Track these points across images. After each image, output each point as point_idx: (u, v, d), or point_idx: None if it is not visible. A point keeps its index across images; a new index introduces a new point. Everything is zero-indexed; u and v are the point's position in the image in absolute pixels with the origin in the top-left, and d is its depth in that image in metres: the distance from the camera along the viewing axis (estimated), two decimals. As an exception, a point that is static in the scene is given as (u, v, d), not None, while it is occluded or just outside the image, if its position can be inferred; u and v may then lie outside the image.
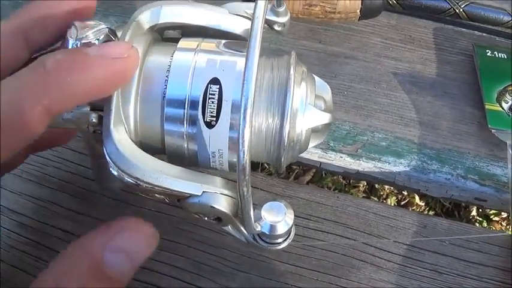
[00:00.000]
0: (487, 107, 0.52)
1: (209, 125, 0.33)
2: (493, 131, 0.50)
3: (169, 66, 0.34)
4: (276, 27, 0.39)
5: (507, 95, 0.53)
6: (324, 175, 1.06)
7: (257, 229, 0.33)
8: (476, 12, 0.56)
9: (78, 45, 0.32)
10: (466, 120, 0.53)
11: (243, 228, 0.34)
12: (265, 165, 1.04)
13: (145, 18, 0.36)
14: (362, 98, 0.54)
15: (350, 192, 1.05)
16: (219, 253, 0.44)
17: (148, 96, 0.34)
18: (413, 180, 0.50)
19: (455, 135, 0.52)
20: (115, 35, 0.33)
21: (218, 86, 0.33)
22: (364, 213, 0.47)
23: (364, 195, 1.06)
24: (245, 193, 0.30)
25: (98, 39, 0.32)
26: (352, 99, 0.54)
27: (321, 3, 0.52)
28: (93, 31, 0.32)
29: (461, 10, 0.54)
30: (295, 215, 0.46)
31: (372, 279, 0.44)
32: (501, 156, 0.50)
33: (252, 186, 0.46)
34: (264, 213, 0.34)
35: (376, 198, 1.05)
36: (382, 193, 1.06)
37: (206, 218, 0.34)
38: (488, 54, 0.56)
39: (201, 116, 0.33)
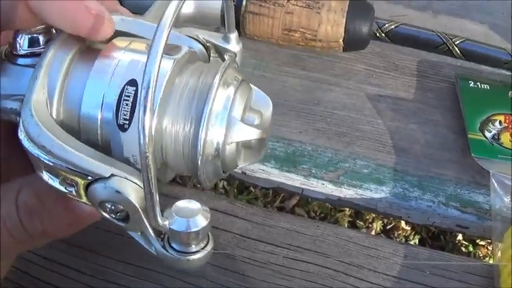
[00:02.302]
0: (470, 136, 0.52)
1: (122, 128, 0.31)
2: (476, 159, 0.50)
3: (91, 67, 0.33)
4: (227, 57, 0.38)
5: (490, 124, 0.53)
6: (309, 200, 1.06)
7: (164, 223, 0.30)
8: (473, 50, 0.51)
9: (21, 39, 0.34)
10: (448, 147, 0.53)
11: (151, 230, 0.31)
12: (251, 188, 1.04)
13: None
14: (344, 125, 0.54)
15: (336, 216, 1.05)
16: (198, 282, 0.44)
17: (70, 90, 0.33)
18: (394, 207, 0.50)
19: (437, 162, 0.52)
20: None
21: (134, 88, 0.31)
22: (344, 242, 0.46)
23: (350, 219, 1.05)
24: (150, 169, 0.27)
25: (40, 34, 0.34)
26: (335, 126, 0.54)
27: (300, 29, 0.50)
28: (39, 28, 0.34)
29: (454, 46, 0.50)
30: (274, 244, 0.46)
31: (352, 310, 0.43)
32: (483, 183, 0.50)
33: (231, 215, 0.47)
34: (175, 210, 0.31)
35: (362, 223, 1.05)
36: (368, 217, 1.05)
37: (113, 216, 0.31)
38: (471, 85, 0.56)
39: (115, 118, 0.31)
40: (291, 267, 0.45)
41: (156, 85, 0.26)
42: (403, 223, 1.05)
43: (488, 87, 0.56)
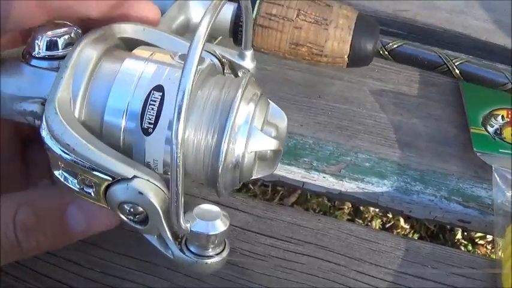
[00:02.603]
0: (472, 130, 0.52)
1: (146, 132, 0.32)
2: (478, 154, 0.50)
3: (117, 72, 0.33)
4: (240, 74, 0.39)
5: (492, 119, 0.53)
6: (309, 197, 1.05)
7: (186, 225, 0.31)
8: (472, 72, 0.50)
9: (40, 41, 0.34)
10: (450, 142, 0.53)
11: (169, 233, 0.32)
12: (250, 185, 1.04)
13: (119, 28, 0.37)
14: (346, 119, 0.54)
15: (335, 214, 1.05)
16: (199, 276, 0.43)
17: (94, 95, 0.34)
18: (396, 201, 0.49)
19: (439, 156, 0.51)
20: (78, 37, 0.35)
21: (161, 94, 0.32)
22: (345, 236, 0.46)
23: (348, 217, 1.05)
24: (180, 169, 0.28)
25: (59, 38, 0.34)
26: (336, 120, 0.54)
27: (307, 44, 0.50)
28: (58, 31, 0.34)
29: (454, 67, 0.50)
30: (275, 237, 0.46)
31: (354, 304, 0.43)
32: (485, 178, 0.50)
33: (231, 208, 0.47)
34: (196, 213, 0.32)
35: (361, 221, 1.05)
36: (366, 215, 1.05)
37: (131, 218, 0.32)
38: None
39: (139, 122, 0.32)
40: (292, 261, 0.44)
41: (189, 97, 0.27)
42: (402, 221, 1.05)
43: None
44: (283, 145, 0.36)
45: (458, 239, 1.04)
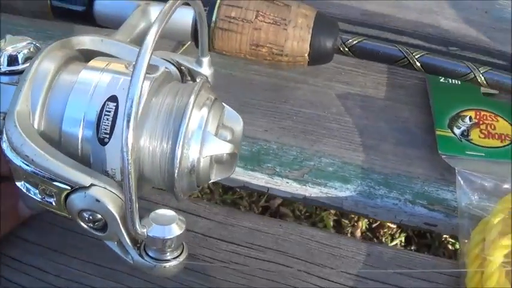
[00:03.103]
0: (437, 133, 0.52)
1: (102, 142, 0.33)
2: (443, 156, 0.50)
3: (74, 83, 0.34)
4: (198, 80, 0.40)
5: (460, 120, 0.52)
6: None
7: (143, 230, 0.32)
8: (432, 63, 0.50)
9: (1, 57, 0.36)
10: (417, 144, 0.53)
11: (127, 239, 0.33)
12: (236, 188, 1.03)
13: (77, 40, 0.38)
14: (311, 123, 0.54)
15: (321, 215, 1.04)
16: (160, 282, 0.43)
17: (52, 106, 0.34)
18: (360, 205, 0.49)
19: (405, 159, 0.51)
20: (37, 51, 0.37)
21: (115, 104, 0.33)
22: (306, 241, 0.46)
23: (335, 217, 1.05)
24: (131, 176, 0.29)
25: (19, 53, 0.36)
26: (301, 124, 0.54)
27: (268, 45, 0.50)
28: (18, 46, 0.36)
29: (415, 60, 0.50)
30: (236, 243, 0.46)
31: (314, 309, 0.43)
32: (452, 180, 0.49)
33: (193, 214, 0.47)
34: (152, 218, 0.33)
35: (347, 221, 1.04)
36: (353, 216, 1.05)
37: (91, 226, 0.33)
38: (441, 80, 0.56)
39: (95, 132, 0.33)
40: (253, 267, 0.44)
41: (139, 105, 0.28)
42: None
43: (459, 83, 0.56)
44: (239, 148, 0.37)
45: (446, 238, 1.03)
